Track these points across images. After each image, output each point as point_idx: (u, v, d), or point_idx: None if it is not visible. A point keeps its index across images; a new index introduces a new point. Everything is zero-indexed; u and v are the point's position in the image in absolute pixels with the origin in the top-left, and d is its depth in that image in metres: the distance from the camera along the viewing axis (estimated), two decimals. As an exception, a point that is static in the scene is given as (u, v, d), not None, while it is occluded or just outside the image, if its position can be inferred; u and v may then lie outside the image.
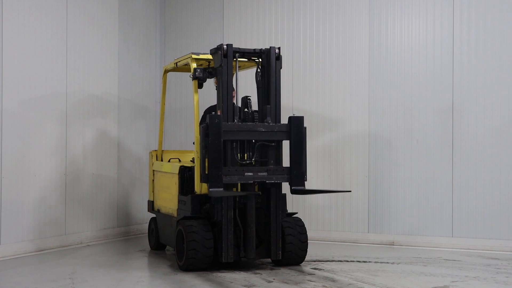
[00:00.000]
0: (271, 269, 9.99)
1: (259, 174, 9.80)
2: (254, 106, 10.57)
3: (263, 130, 9.87)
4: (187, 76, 13.02)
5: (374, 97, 12.77)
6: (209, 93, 12.56)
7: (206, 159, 9.53)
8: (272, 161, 9.97)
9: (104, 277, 9.46)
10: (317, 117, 13.20)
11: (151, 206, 12.17)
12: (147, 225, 13.66)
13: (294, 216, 10.56)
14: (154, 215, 12.21)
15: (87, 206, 12.88)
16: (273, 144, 9.98)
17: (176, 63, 11.31)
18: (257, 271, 9.82)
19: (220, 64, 10.06)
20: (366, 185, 12.79)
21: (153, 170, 12.03)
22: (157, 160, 12.08)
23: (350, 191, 9.97)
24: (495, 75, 11.72)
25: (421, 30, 12.42)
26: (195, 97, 10.52)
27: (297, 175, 9.92)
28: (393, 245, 12.33)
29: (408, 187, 12.40)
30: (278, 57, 10.25)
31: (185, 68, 11.52)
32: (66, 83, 12.29)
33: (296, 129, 9.97)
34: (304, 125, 9.96)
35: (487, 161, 11.71)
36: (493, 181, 11.67)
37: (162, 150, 12.16)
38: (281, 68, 10.30)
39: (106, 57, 13.44)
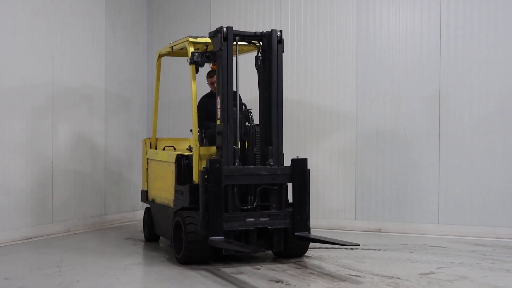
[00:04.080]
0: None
1: (261, 219, 8.51)
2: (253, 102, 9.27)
3: (265, 173, 8.54)
4: (171, 61, 11.98)
5: (361, 84, 11.71)
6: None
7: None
8: (274, 205, 8.66)
9: (91, 265, 8.63)
10: (305, 104, 12.00)
11: (145, 196, 10.55)
12: (135, 213, 13.05)
13: None
14: (148, 205, 10.64)
15: (75, 194, 11.72)
16: (276, 187, 8.64)
17: (172, 47, 9.71)
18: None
19: (220, 48, 8.53)
20: (354, 172, 11.71)
21: (147, 159, 10.41)
22: (151, 148, 10.39)
23: (358, 245, 8.50)
24: (482, 63, 10.85)
25: (409, 17, 11.44)
26: (193, 82, 9.00)
27: (300, 220, 8.62)
28: (380, 232, 11.38)
29: (395, 174, 11.42)
30: (280, 41, 8.77)
31: (181, 52, 9.98)
32: (52, 71, 11.13)
33: (299, 172, 8.66)
34: (308, 167, 8.74)
35: (473, 149, 10.88)
36: (479, 168, 10.83)
37: (156, 138, 10.46)
38: (283, 52, 8.81)
39: (93, 45, 12.21)
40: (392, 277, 7.71)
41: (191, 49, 9.00)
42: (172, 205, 9.19)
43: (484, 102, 10.79)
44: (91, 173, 12.06)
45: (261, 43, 8.85)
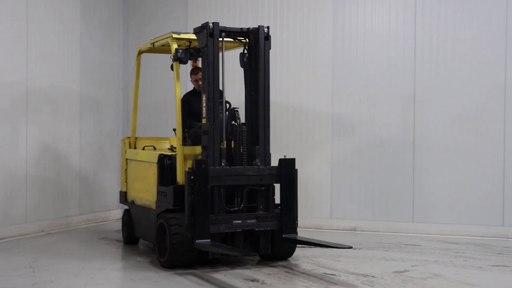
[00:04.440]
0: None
1: (248, 221, 7.70)
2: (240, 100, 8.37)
3: (252, 174, 7.74)
4: (147, 58, 11.08)
5: (337, 84, 11.00)
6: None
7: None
8: (261, 206, 7.87)
9: (65, 265, 8.03)
10: (281, 104, 11.18)
11: (123, 197, 9.61)
12: (109, 213, 12.22)
13: None
14: (127, 207, 9.67)
15: (49, 194, 10.79)
16: (263, 188, 7.84)
17: (153, 43, 8.83)
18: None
19: (206, 44, 7.72)
20: (329, 171, 11.00)
21: (127, 159, 9.46)
22: (130, 148, 9.44)
23: (351, 247, 7.68)
24: (456, 64, 10.30)
25: (384, 18, 10.80)
26: (177, 80, 8.15)
27: (288, 221, 7.82)
28: (355, 230, 10.79)
29: (370, 173, 10.78)
30: (267, 37, 7.98)
31: (162, 49, 9.12)
32: (26, 70, 10.25)
33: (287, 172, 7.88)
34: (296, 167, 7.98)
35: (447, 148, 10.34)
36: (453, 167, 10.30)
37: (136, 138, 9.51)
38: (270, 48, 8.03)
39: (67, 44, 11.22)
40: (367, 275, 7.34)
41: (174, 46, 8.13)
42: (154, 207, 8.35)
43: (458, 102, 10.26)
44: (66, 173, 11.15)
45: (247, 39, 8.06)
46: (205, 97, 7.70)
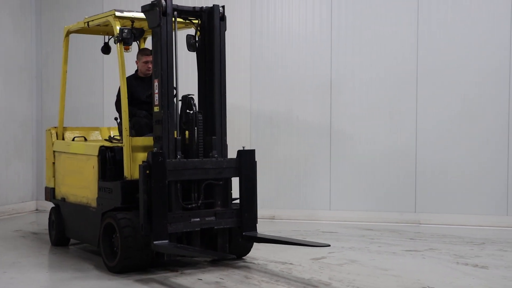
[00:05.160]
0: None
1: (207, 219, 6.14)
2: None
3: (211, 167, 6.19)
4: (61, 38, 9.36)
5: (255, 74, 9.75)
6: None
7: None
8: (219, 202, 6.31)
9: None
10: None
11: (51, 193, 7.64)
12: (24, 205, 10.41)
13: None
14: (54, 204, 7.66)
15: None
16: (221, 182, 6.31)
17: (88, 22, 6.94)
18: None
19: (158, 24, 6.02)
20: None
21: (54, 151, 7.48)
22: (57, 139, 7.46)
23: (329, 245, 6.35)
24: (368, 53, 9.39)
25: (301, 10, 9.66)
26: (122, 64, 6.40)
27: (248, 218, 6.33)
28: (274, 219, 9.63)
29: (288, 163, 9.67)
30: (223, 17, 6.40)
31: (96, 29, 7.30)
32: None
33: (247, 164, 6.37)
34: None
35: (361, 136, 9.44)
36: (367, 155, 9.41)
37: (64, 128, 7.54)
38: (225, 30, 6.45)
39: None
40: (286, 262, 6.59)
41: (117, 25, 6.33)
42: (94, 205, 6.58)
43: (372, 91, 9.36)
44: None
45: (199, 20, 6.43)
46: (158, 82, 6.01)
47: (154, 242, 5.73)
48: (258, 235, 6.32)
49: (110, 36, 7.36)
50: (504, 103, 8.85)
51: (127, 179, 6.18)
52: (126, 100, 6.29)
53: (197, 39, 6.56)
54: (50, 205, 7.55)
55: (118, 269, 5.96)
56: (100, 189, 6.43)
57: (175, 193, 6.00)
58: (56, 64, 10.58)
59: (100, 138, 7.54)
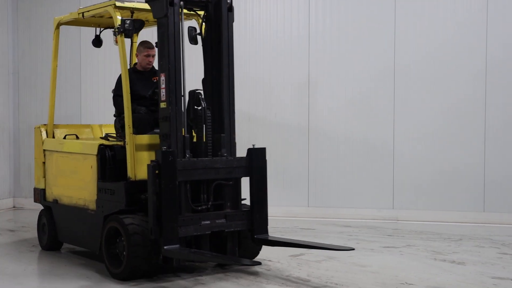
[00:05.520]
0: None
1: (217, 222, 5.78)
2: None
3: (221, 166, 5.82)
4: (38, 34, 9.91)
5: (235, 72, 9.24)
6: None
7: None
8: (228, 204, 5.95)
9: None
10: None
11: (41, 195, 7.14)
12: (0, 202, 10.17)
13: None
14: (44, 207, 7.18)
15: None
16: (231, 182, 5.95)
17: (83, 13, 6.46)
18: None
19: (166, 14, 5.64)
20: None
21: (45, 150, 7.00)
22: (47, 137, 7.00)
23: (353, 249, 5.95)
24: (346, 49, 9.34)
25: (279, 8, 9.59)
26: (124, 57, 5.99)
27: (259, 220, 6.01)
28: None
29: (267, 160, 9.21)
30: (231, 8, 6.04)
31: (88, 21, 6.85)
32: None
33: (258, 164, 6.05)
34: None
35: (339, 133, 9.40)
36: (345, 152, 9.38)
37: (54, 125, 7.08)
38: (233, 21, 6.09)
39: None
40: (264, 259, 6.44)
41: (118, 16, 5.93)
42: (92, 207, 6.17)
43: (349, 87, 9.31)
44: None
45: (205, 11, 6.08)
46: (164, 76, 5.64)
47: (165, 247, 5.37)
48: (270, 238, 6.02)
49: (102, 29, 7.00)
50: (481, 100, 8.87)
51: (131, 179, 5.81)
52: (129, 95, 5.90)
53: (198, 31, 6.24)
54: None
55: (123, 276, 5.57)
56: (99, 190, 6.02)
57: (184, 195, 5.65)
58: (33, 60, 10.48)
59: (92, 136, 7.12)
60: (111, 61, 9.31)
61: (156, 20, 5.77)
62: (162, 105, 5.70)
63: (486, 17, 8.81)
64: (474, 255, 6.75)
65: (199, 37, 6.28)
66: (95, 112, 9.93)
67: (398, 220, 9.09)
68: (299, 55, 9.42)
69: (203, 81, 6.12)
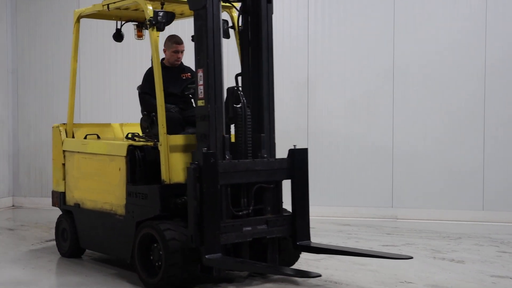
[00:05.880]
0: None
1: (258, 228, 5.41)
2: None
3: (262, 169, 5.44)
4: (37, 32, 9.83)
5: (235, 73, 9.30)
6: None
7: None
8: (269, 208, 5.57)
9: None
10: None
11: (61, 198, 6.67)
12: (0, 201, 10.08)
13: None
14: (62, 211, 6.74)
15: None
16: (272, 186, 5.57)
17: (108, 5, 6.04)
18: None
19: (204, 6, 5.25)
20: None
21: (64, 151, 6.55)
22: (67, 137, 6.57)
23: (412, 258, 5.63)
24: (346, 49, 9.33)
25: (278, 6, 9.31)
26: (155, 52, 5.57)
27: (302, 226, 5.60)
28: None
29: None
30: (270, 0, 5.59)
31: (111, 13, 6.37)
32: None
33: (300, 165, 5.63)
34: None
35: (338, 132, 9.40)
36: (344, 151, 9.38)
37: (73, 124, 6.66)
38: (273, 13, 5.71)
39: None
40: None
41: (149, 8, 5.53)
42: (121, 212, 5.78)
43: (346, 87, 9.31)
44: None
45: (242, 2, 5.70)
46: (203, 72, 5.27)
47: (206, 256, 5.01)
48: (313, 245, 5.68)
49: (123, 22, 6.59)
50: (481, 100, 8.87)
51: (165, 183, 5.43)
52: (162, 93, 5.51)
53: (230, 24, 5.92)
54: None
55: (159, 286, 5.18)
56: (129, 194, 5.63)
57: (225, 199, 5.29)
58: (32, 59, 10.34)
59: (113, 136, 6.71)
60: (110, 60, 9.32)
61: (181, 13, 5.41)
62: (200, 103, 5.32)
63: (485, 17, 8.83)
64: (473, 254, 6.76)
65: (231, 31, 5.95)
66: (95, 112, 9.82)
67: (397, 219, 9.08)
68: (299, 55, 9.36)
69: (237, 76, 5.77)
